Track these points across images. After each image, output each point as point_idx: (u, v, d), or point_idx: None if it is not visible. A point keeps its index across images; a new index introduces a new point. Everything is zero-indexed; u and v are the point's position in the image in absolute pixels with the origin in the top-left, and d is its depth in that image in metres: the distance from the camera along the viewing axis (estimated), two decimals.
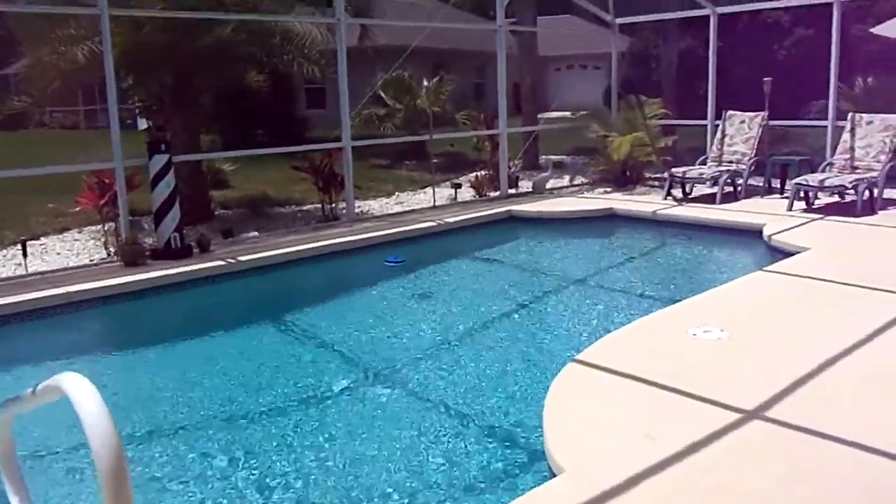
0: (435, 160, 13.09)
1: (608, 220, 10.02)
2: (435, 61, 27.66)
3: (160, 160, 7.84)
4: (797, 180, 9.54)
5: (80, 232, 10.12)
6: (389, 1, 33.19)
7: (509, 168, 12.13)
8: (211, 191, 12.01)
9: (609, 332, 5.18)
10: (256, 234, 9.67)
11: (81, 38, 9.16)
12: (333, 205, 10.43)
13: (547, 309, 6.93)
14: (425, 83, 15.46)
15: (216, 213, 11.30)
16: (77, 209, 9.06)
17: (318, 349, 5.87)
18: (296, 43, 10.77)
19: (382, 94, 16.82)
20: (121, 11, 8.66)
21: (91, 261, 8.23)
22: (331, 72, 10.64)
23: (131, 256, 7.46)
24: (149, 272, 7.12)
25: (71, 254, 8.87)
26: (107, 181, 8.15)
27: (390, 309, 6.98)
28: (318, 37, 12.27)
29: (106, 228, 8.47)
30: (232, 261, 7.60)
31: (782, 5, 16.13)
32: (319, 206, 10.57)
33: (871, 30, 7.63)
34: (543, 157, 15.53)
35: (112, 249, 8.25)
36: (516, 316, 6.62)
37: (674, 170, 10.71)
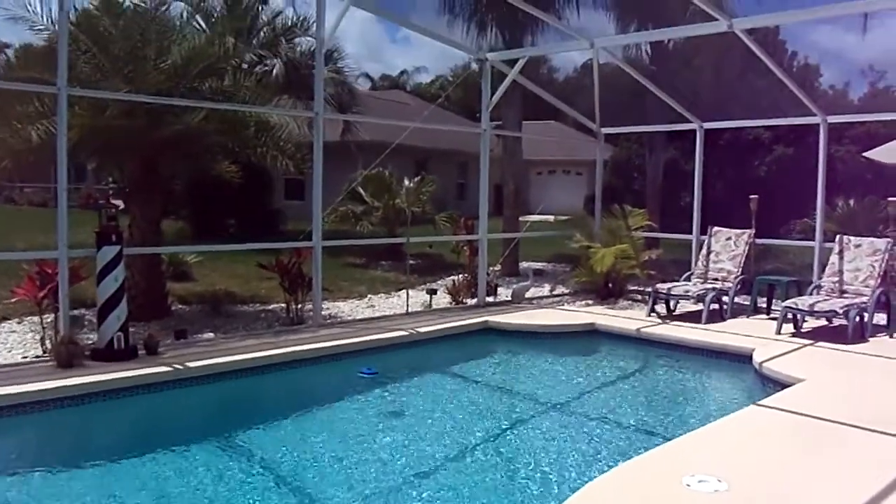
0: (412, 262, 12.60)
1: (590, 337, 9.49)
2: (417, 159, 27.69)
3: (109, 252, 7.25)
4: (787, 303, 9.20)
5: (19, 322, 9.37)
6: (374, 97, 33.66)
7: (488, 274, 11.66)
8: (171, 284, 11.38)
9: (592, 478, 4.53)
10: (212, 335, 8.99)
11: (39, 117, 8.65)
12: (300, 306, 9.82)
13: (523, 443, 6.23)
14: (406, 182, 15.13)
15: (173, 308, 10.63)
16: (14, 300, 8.34)
17: (261, 477, 5.14)
18: (271, 135, 10.36)
19: (361, 191, 16.46)
20: (81, 92, 8.23)
21: (24, 357, 7.50)
22: (307, 167, 10.21)
23: (66, 357, 6.77)
24: (82, 377, 6.41)
25: (3, 347, 8.11)
26: (49, 271, 7.50)
27: (349, 431, 6.28)
28: (296, 129, 11.96)
29: (45, 323, 7.76)
30: (179, 367, 6.91)
31: (769, 123, 16.27)
32: (285, 306, 9.96)
33: (865, 154, 7.46)
34: (524, 263, 15.12)
35: (49, 345, 7.53)
36: (489, 451, 5.91)
37: (659, 286, 10.32)
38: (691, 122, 11.92)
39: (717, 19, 8.98)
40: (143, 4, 9.73)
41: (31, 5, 9.09)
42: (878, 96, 36.43)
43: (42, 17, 9.13)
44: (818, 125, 10.74)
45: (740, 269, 10.54)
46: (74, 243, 7.43)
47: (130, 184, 10.02)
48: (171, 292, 11.05)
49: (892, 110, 32.60)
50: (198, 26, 14.98)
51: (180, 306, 10.98)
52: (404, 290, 11.50)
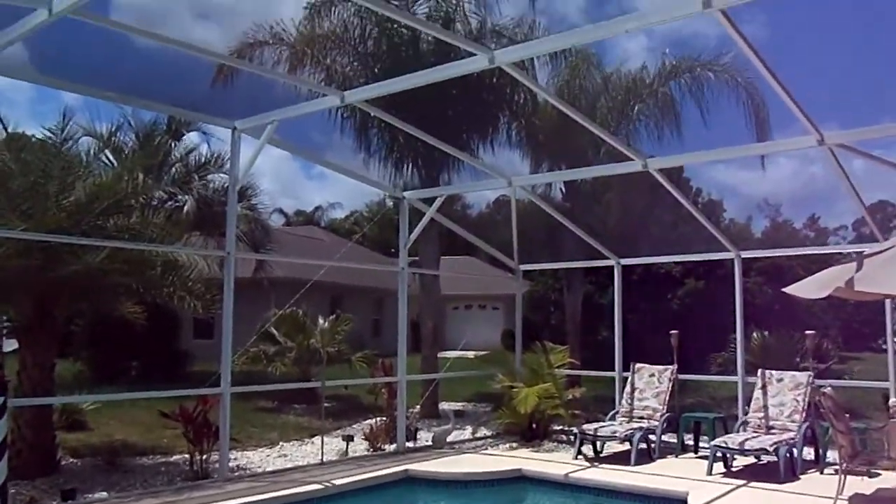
0: (327, 404, 11.96)
1: (516, 484, 9.00)
2: (333, 295, 27.24)
3: None
4: (716, 442, 9.06)
5: None
6: (288, 233, 33.45)
7: (407, 418, 11.13)
8: (63, 434, 10.41)
9: None
10: (105, 495, 8.09)
11: None
12: (206, 457, 9.03)
13: None
14: (321, 321, 14.63)
15: (63, 463, 9.63)
16: None
17: None
18: (179, 274, 9.86)
19: (274, 331, 15.82)
20: None
21: None
22: (216, 308, 9.69)
23: None
24: None
25: None
26: None
27: None
28: (206, 269, 11.47)
29: None
30: None
31: (686, 259, 16.74)
32: (189, 457, 9.14)
33: (784, 289, 7.58)
34: (444, 404, 14.61)
35: None
36: None
37: (585, 426, 10.04)
38: (608, 258, 12.03)
39: (632, 159, 9.21)
40: (50, 138, 9.37)
41: None
42: (779, 230, 38.63)
43: None
44: (732, 260, 10.98)
45: (665, 407, 10.38)
46: None
47: (23, 325, 9.27)
48: (63, 444, 10.10)
49: (792, 244, 34.69)
50: (107, 161, 14.58)
51: (72, 460, 10.01)
52: (319, 437, 10.81)
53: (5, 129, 9.52)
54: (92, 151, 11.59)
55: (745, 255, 11.18)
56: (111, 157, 14.82)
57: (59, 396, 10.85)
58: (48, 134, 9.34)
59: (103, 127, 14.58)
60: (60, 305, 9.43)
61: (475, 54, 7.12)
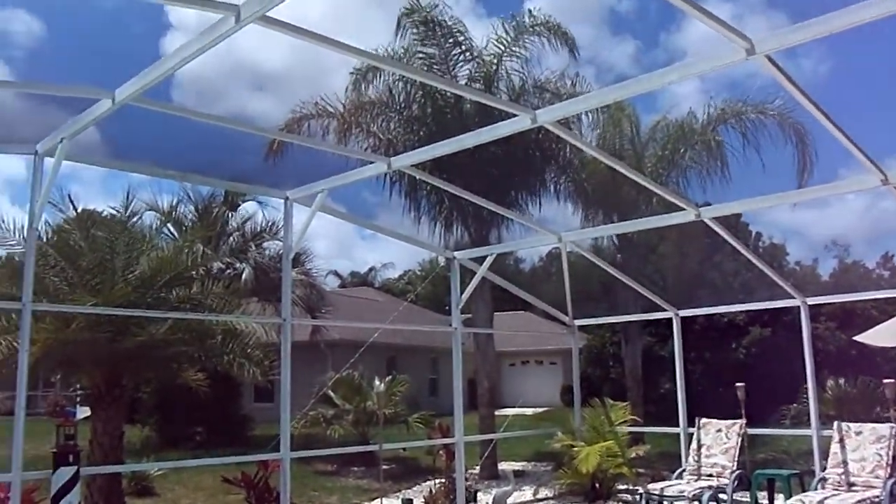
0: (385, 466, 11.85)
1: None
2: (388, 356, 27.27)
3: (65, 474, 6.68)
4: (793, 501, 8.57)
5: None
6: (343, 295, 33.78)
7: (466, 479, 10.94)
8: (131, 500, 10.52)
9: None
10: None
11: (3, 332, 8.36)
12: None
13: None
14: (377, 382, 14.63)
15: None
16: None
17: None
18: (238, 342, 10.03)
19: (331, 394, 15.87)
20: (45, 307, 7.94)
21: None
22: (274, 373, 9.78)
23: None
24: None
25: None
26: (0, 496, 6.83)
27: None
28: (264, 335, 11.62)
29: None
30: None
31: (747, 308, 16.16)
32: None
33: (855, 337, 7.30)
34: (503, 464, 14.36)
35: None
36: None
37: (650, 486, 9.70)
38: (666, 310, 11.79)
39: (684, 209, 9.08)
40: (116, 214, 9.73)
41: (3, 222, 9.10)
42: (848, 271, 37.22)
43: (13, 233, 9.09)
44: (797, 307, 10.58)
45: (735, 463, 9.97)
46: (34, 457, 6.82)
47: (94, 395, 9.54)
48: None
49: (864, 286, 33.21)
50: (169, 234, 15.06)
51: None
52: (378, 499, 10.69)
53: (75, 208, 9.93)
54: (154, 226, 12.01)
55: (812, 301, 10.73)
56: (172, 230, 15.35)
57: (128, 464, 11.04)
58: (113, 211, 9.71)
59: (164, 201, 15.14)
60: (128, 375, 9.70)
61: (517, 115, 7.17)
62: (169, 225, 15.14)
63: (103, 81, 5.95)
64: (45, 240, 9.16)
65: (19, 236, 9.05)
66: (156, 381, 10.86)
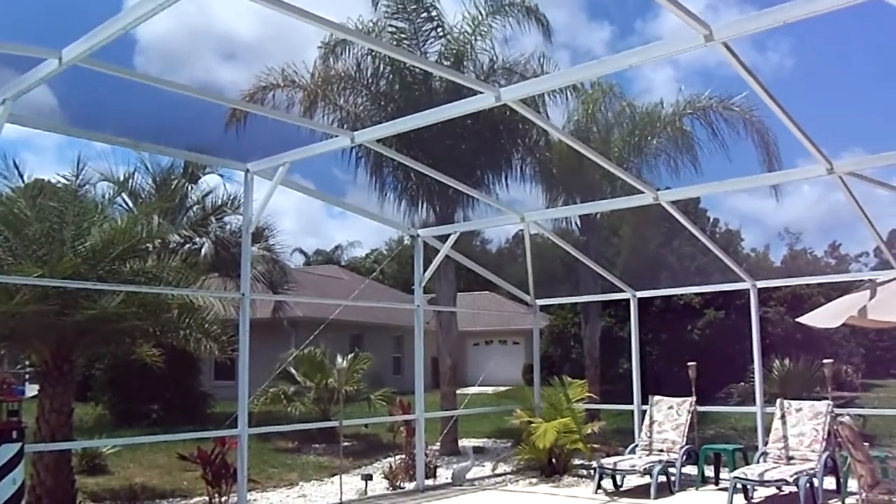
0: (346, 443, 11.92)
1: None
2: (352, 334, 27.27)
3: (9, 450, 6.59)
4: (736, 474, 8.96)
5: None
6: (308, 273, 33.63)
7: (426, 455, 11.07)
8: (83, 479, 10.40)
9: None
10: None
11: None
12: (225, 498, 9.03)
13: None
14: (339, 360, 14.63)
15: None
16: None
17: None
18: (195, 317, 9.93)
19: (293, 371, 15.85)
20: None
21: None
22: (234, 349, 9.73)
23: None
24: None
25: None
26: None
27: None
28: (222, 310, 11.53)
29: None
30: None
31: (701, 290, 16.57)
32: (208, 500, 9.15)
33: (798, 319, 7.55)
34: (463, 440, 14.51)
35: None
36: None
37: (604, 461, 9.96)
38: (624, 291, 11.99)
39: (643, 192, 9.23)
40: (67, 183, 9.49)
41: None
42: (797, 258, 38.25)
43: None
44: (748, 290, 10.91)
45: (685, 439, 10.28)
46: None
47: (42, 371, 9.33)
48: (82, 489, 10.07)
49: (812, 272, 34.22)
50: (123, 206, 14.77)
51: None
52: (338, 476, 10.77)
53: (21, 176, 9.63)
54: (108, 196, 11.75)
55: (761, 284, 11.09)
56: (128, 201, 15.05)
57: (77, 441, 10.86)
58: (64, 180, 9.48)
59: (120, 172, 14.80)
60: (77, 350, 9.45)
61: (482, 92, 7.22)
62: (124, 195, 14.81)
63: (59, 41, 5.68)
64: None
65: None
66: (109, 356, 10.59)
